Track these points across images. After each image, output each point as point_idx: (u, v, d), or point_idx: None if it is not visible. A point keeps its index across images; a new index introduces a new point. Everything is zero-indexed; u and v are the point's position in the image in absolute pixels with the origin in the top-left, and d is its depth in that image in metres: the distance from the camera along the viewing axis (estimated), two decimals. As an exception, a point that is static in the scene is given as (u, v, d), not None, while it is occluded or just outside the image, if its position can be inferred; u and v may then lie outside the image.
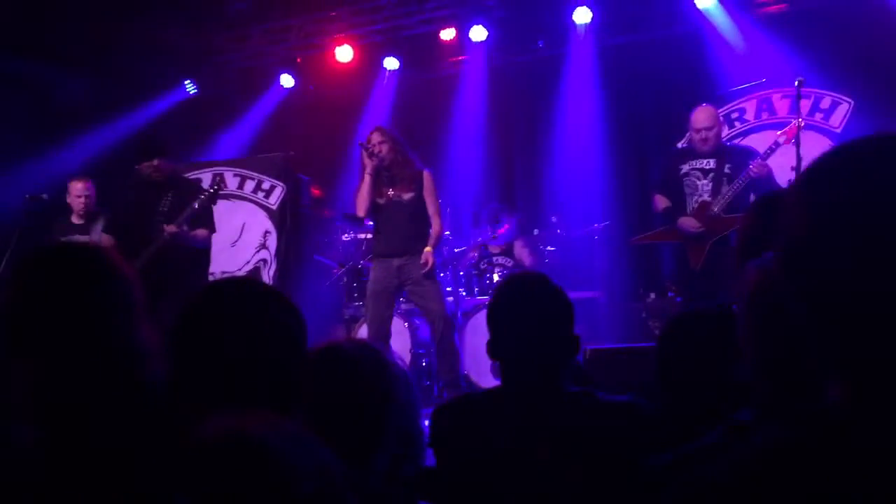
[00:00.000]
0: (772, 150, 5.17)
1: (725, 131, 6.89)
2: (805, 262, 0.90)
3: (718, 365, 1.80)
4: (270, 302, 1.49)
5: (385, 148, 5.53)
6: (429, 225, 5.59)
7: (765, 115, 6.78)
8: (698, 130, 5.42)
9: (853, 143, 0.94)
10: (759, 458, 0.87)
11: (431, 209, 5.60)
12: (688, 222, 5.33)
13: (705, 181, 5.38)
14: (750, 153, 5.96)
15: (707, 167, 5.40)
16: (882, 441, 0.84)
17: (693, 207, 5.37)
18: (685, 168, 5.47)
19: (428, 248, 5.48)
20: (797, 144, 5.15)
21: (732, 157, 5.42)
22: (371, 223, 5.86)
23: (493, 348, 2.15)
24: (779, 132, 5.34)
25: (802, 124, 5.16)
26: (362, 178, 5.57)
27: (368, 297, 5.65)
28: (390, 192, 5.55)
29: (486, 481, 2.02)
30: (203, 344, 1.44)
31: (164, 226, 5.23)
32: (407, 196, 5.53)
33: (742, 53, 6.88)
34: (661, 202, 5.60)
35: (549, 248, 7.14)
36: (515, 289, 2.19)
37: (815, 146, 6.15)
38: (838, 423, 0.86)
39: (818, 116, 6.63)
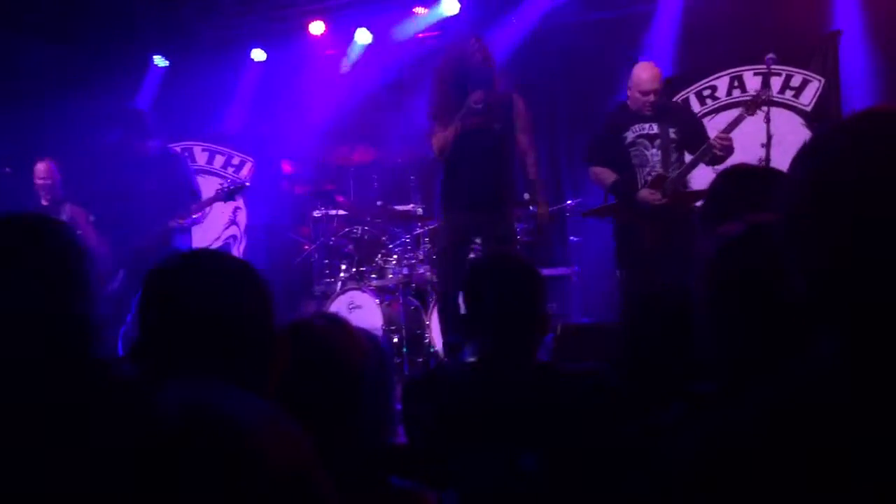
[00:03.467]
0: (736, 123, 4.88)
1: (697, 108, 6.91)
2: (809, 231, 0.94)
3: (680, 341, 1.81)
4: (237, 273, 1.47)
5: (485, 59, 4.54)
6: (513, 167, 4.69)
7: (736, 93, 6.80)
8: (646, 93, 4.89)
9: (855, 116, 0.98)
10: (763, 417, 0.89)
11: (527, 145, 4.72)
12: (647, 194, 4.87)
13: (653, 150, 4.94)
14: (690, 111, 5.79)
15: (651, 132, 4.95)
16: (882, 387, 0.86)
17: (646, 181, 4.95)
18: (630, 136, 4.98)
19: (543, 205, 4.76)
20: (767, 121, 5.15)
21: (675, 118, 5.01)
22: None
23: (468, 327, 2.17)
24: (742, 106, 5.07)
25: (767, 97, 4.93)
26: (444, 119, 4.59)
27: (442, 255, 4.81)
28: (473, 126, 4.54)
29: (456, 456, 2.03)
30: (167, 314, 1.42)
31: (159, 213, 5.17)
32: (496, 126, 4.60)
33: (712, 30, 6.89)
34: (607, 175, 5.07)
35: (521, 224, 7.13)
36: (491, 268, 2.21)
37: (785, 123, 6.20)
38: (837, 373, 0.88)
39: (789, 94, 6.66)
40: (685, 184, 5.04)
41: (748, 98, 5.12)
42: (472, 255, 4.93)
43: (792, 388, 0.92)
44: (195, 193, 5.52)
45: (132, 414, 0.87)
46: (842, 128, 0.99)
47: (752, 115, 4.87)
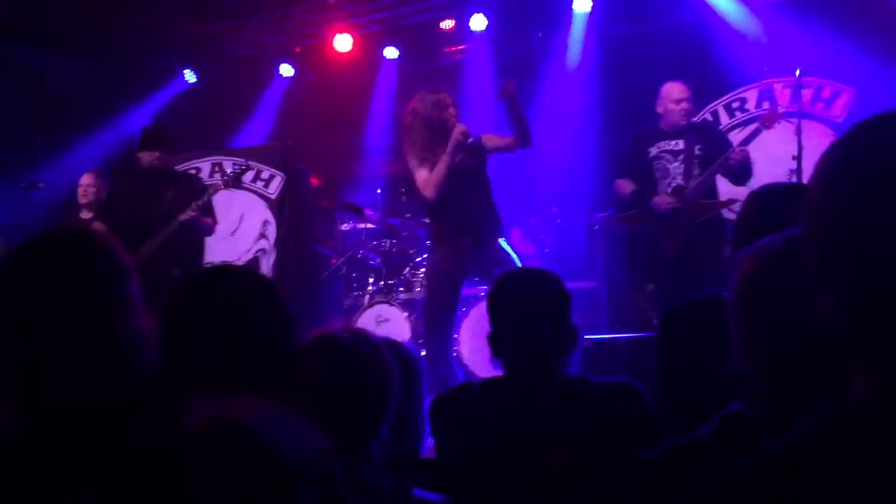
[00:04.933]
0: (752, 136, 4.96)
1: (726, 120, 6.86)
2: (842, 249, 0.87)
3: (715, 355, 1.78)
4: (257, 289, 1.47)
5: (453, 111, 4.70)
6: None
7: (766, 105, 6.73)
8: (678, 101, 5.05)
9: (880, 117, 0.92)
10: (786, 455, 0.85)
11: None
12: (662, 200, 5.00)
13: (676, 164, 5.04)
14: (716, 129, 5.82)
15: (676, 148, 5.06)
16: None
17: (666, 192, 5.07)
18: (653, 151, 5.13)
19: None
20: (798, 134, 5.10)
21: (701, 136, 5.10)
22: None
23: (495, 343, 2.15)
24: (760, 116, 5.19)
25: (783, 111, 5.00)
26: (430, 161, 4.66)
27: (437, 280, 4.85)
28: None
29: (483, 470, 2.01)
30: (190, 331, 1.42)
31: (181, 214, 5.18)
32: (472, 163, 4.73)
33: (742, 43, 6.84)
34: (627, 186, 5.25)
35: (548, 238, 7.12)
36: (515, 282, 2.19)
37: (816, 136, 6.13)
38: (864, 419, 0.83)
39: (819, 106, 6.59)
40: (704, 195, 5.03)
41: (766, 111, 5.14)
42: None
43: (817, 424, 0.88)
44: (212, 215, 5.54)
45: (166, 431, 0.87)
46: (840, 140, 0.94)
47: (769, 128, 4.88)
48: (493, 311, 2.17)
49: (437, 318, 4.85)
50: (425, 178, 4.67)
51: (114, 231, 5.26)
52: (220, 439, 0.82)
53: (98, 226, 5.52)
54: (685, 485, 0.91)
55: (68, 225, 5.15)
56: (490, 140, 4.79)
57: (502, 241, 4.80)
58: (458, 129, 4.59)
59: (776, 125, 4.93)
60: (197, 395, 1.29)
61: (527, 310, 2.09)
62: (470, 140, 4.63)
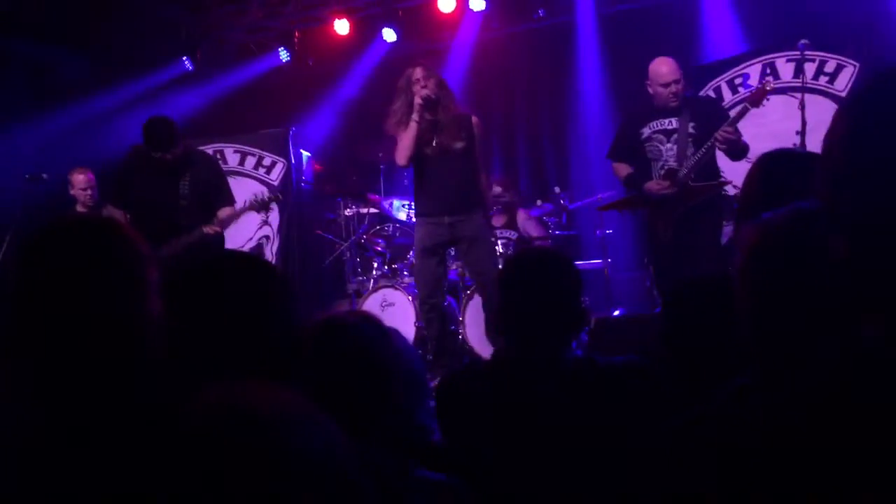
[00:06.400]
0: (740, 116, 4.69)
1: (729, 97, 6.83)
2: (853, 190, 0.88)
3: (721, 330, 1.78)
4: (262, 274, 1.48)
5: (431, 83, 4.94)
6: (479, 178, 5.08)
7: (770, 80, 6.70)
8: (666, 84, 4.85)
9: (888, 70, 0.92)
10: (805, 403, 0.86)
11: (482, 157, 5.08)
12: (654, 185, 4.89)
13: (669, 144, 4.91)
14: (715, 105, 5.69)
15: (669, 127, 4.92)
16: None
17: (659, 174, 4.93)
18: (646, 132, 4.99)
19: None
20: (801, 108, 5.07)
21: (696, 112, 4.92)
22: (411, 176, 5.34)
23: (503, 322, 2.14)
24: (747, 95, 4.91)
25: (770, 88, 4.76)
26: (404, 124, 4.94)
27: (417, 255, 5.15)
28: (434, 141, 4.95)
29: (490, 450, 2.01)
30: (196, 315, 1.42)
31: (194, 218, 5.13)
32: (457, 145, 4.94)
33: (744, 18, 6.81)
34: (623, 169, 5.16)
35: (553, 219, 7.11)
36: (530, 262, 2.19)
37: (820, 110, 6.09)
38: (879, 362, 0.84)
39: (823, 80, 6.55)
40: (700, 175, 4.92)
41: (753, 89, 4.99)
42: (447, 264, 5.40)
43: (832, 374, 0.89)
44: (230, 196, 5.48)
45: (175, 413, 0.87)
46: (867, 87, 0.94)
47: (757, 106, 4.70)
48: (505, 289, 2.17)
49: (420, 293, 5.21)
50: (398, 145, 4.99)
51: (133, 222, 5.27)
52: (234, 431, 0.82)
53: (118, 214, 5.46)
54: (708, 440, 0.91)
55: (85, 214, 5.10)
56: (477, 138, 5.05)
57: (480, 222, 5.06)
58: (418, 95, 4.88)
59: (764, 102, 4.77)
60: (205, 376, 1.30)
61: (541, 290, 2.08)
62: (424, 93, 4.87)
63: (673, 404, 1.70)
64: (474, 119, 5.07)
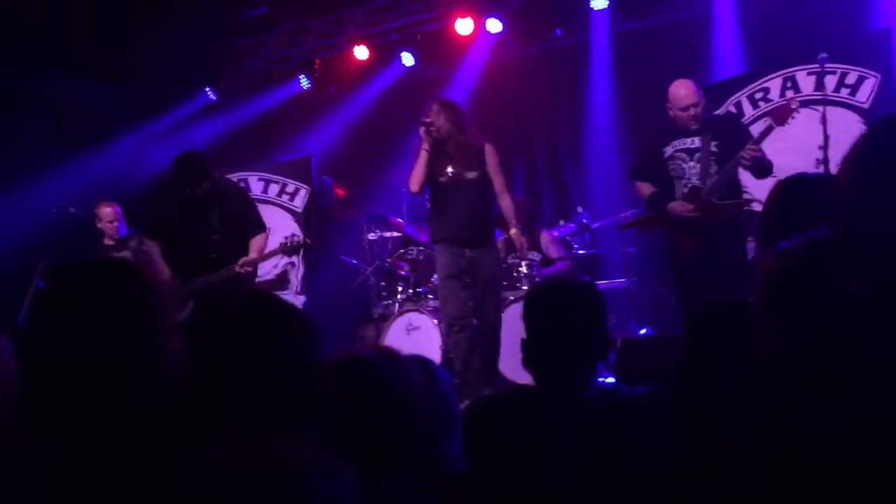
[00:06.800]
0: (765, 134, 4.67)
1: (750, 111, 6.80)
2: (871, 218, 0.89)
3: (742, 356, 1.77)
4: (286, 317, 1.49)
5: (442, 120, 5.22)
6: (494, 205, 5.29)
7: (789, 94, 6.66)
8: (685, 108, 4.86)
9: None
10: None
11: (499, 186, 5.28)
12: (678, 206, 4.89)
13: (692, 163, 4.90)
14: (737, 122, 5.66)
15: (692, 146, 4.91)
16: None
17: (682, 193, 4.92)
18: (669, 150, 4.99)
19: (514, 231, 5.25)
20: (823, 122, 5.03)
21: (718, 131, 4.92)
22: (428, 203, 5.56)
23: (529, 353, 2.14)
24: (770, 111, 4.96)
25: (796, 107, 4.76)
26: (418, 154, 5.27)
27: (442, 280, 5.35)
28: (450, 171, 5.23)
29: (516, 481, 2.01)
30: (216, 358, 1.44)
31: (227, 250, 5.24)
32: (471, 175, 5.22)
33: (763, 32, 6.79)
34: (647, 188, 5.17)
35: (575, 238, 7.10)
36: (552, 291, 2.19)
37: (843, 123, 6.04)
38: None
39: (845, 92, 6.50)
40: (723, 193, 4.89)
41: (777, 105, 4.97)
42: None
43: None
44: (261, 224, 5.57)
45: (196, 462, 0.88)
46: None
47: (783, 125, 4.67)
48: (528, 319, 2.17)
49: (448, 315, 5.37)
50: (411, 174, 5.32)
51: (167, 256, 5.34)
52: (259, 491, 0.83)
53: (152, 245, 5.54)
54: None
55: (105, 256, 5.20)
56: (491, 165, 5.27)
57: (495, 257, 5.37)
58: (422, 126, 5.20)
59: (790, 120, 4.74)
60: (227, 418, 1.32)
61: (563, 323, 2.08)
62: (432, 128, 5.16)
63: (693, 433, 1.69)
64: (488, 147, 5.28)
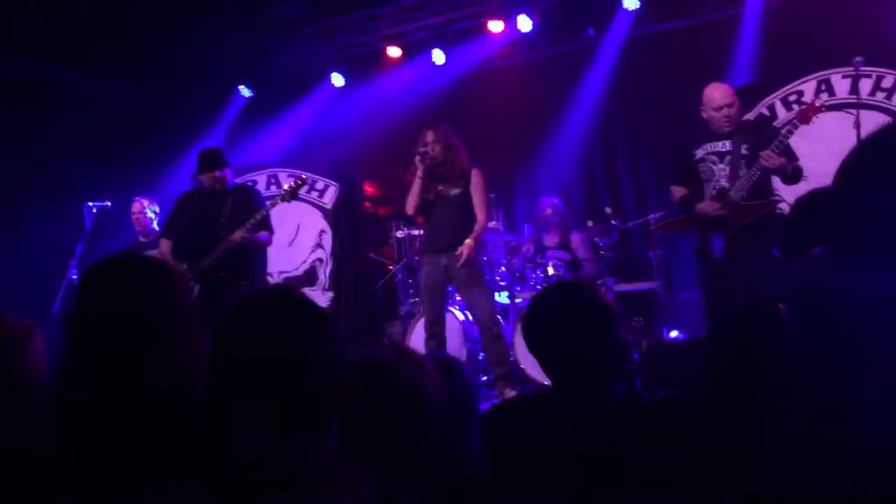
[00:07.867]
0: (789, 133, 4.66)
1: (783, 114, 6.73)
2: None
3: (766, 363, 1.75)
4: (307, 318, 1.50)
5: (438, 148, 5.58)
6: (474, 221, 5.59)
7: (824, 97, 6.58)
8: (719, 108, 4.91)
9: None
10: None
11: (477, 204, 5.59)
12: (707, 206, 4.92)
13: (721, 165, 4.93)
14: (768, 125, 5.62)
15: (723, 149, 4.94)
16: None
17: (711, 194, 4.95)
18: (699, 153, 5.03)
19: (468, 241, 5.48)
20: (857, 126, 4.97)
21: (750, 135, 4.93)
22: (422, 220, 5.92)
23: (538, 360, 2.14)
24: (797, 113, 4.85)
25: (821, 104, 4.73)
26: (414, 177, 5.62)
27: (422, 292, 5.77)
28: (439, 188, 5.61)
29: (533, 485, 2.00)
30: (236, 361, 1.46)
31: (233, 232, 5.49)
32: (454, 192, 5.59)
33: (798, 34, 6.71)
34: (678, 192, 5.23)
35: (604, 239, 7.06)
36: (546, 301, 2.16)
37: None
38: None
39: (880, 96, 6.41)
40: (752, 194, 4.87)
41: (803, 107, 4.93)
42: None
43: None
44: (269, 227, 5.79)
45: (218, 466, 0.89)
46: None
47: (807, 123, 4.65)
48: (525, 332, 2.16)
49: (426, 323, 5.69)
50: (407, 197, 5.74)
51: (178, 244, 5.59)
52: (261, 481, 0.84)
53: (164, 244, 5.76)
54: None
55: (134, 254, 5.35)
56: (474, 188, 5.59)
57: (473, 263, 5.59)
58: (418, 155, 5.58)
59: (815, 119, 4.70)
60: (247, 419, 1.33)
61: (559, 328, 2.05)
62: (427, 156, 5.53)
63: (715, 441, 1.67)
64: (474, 171, 5.64)
